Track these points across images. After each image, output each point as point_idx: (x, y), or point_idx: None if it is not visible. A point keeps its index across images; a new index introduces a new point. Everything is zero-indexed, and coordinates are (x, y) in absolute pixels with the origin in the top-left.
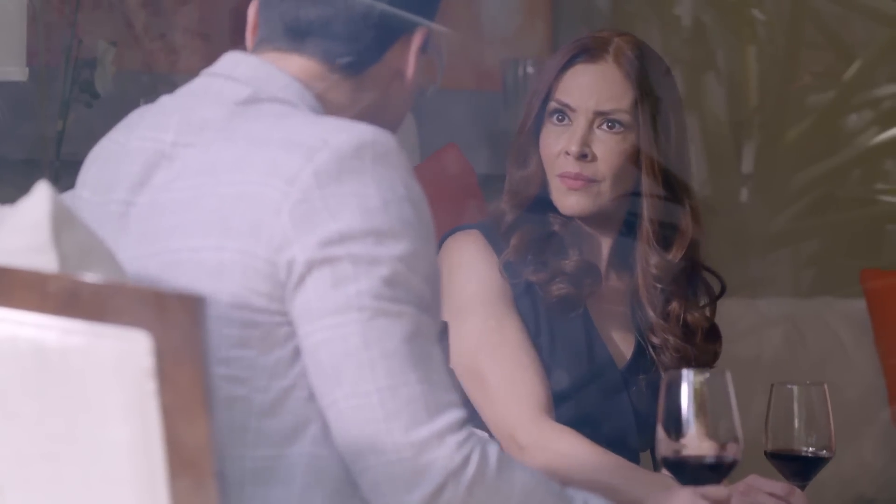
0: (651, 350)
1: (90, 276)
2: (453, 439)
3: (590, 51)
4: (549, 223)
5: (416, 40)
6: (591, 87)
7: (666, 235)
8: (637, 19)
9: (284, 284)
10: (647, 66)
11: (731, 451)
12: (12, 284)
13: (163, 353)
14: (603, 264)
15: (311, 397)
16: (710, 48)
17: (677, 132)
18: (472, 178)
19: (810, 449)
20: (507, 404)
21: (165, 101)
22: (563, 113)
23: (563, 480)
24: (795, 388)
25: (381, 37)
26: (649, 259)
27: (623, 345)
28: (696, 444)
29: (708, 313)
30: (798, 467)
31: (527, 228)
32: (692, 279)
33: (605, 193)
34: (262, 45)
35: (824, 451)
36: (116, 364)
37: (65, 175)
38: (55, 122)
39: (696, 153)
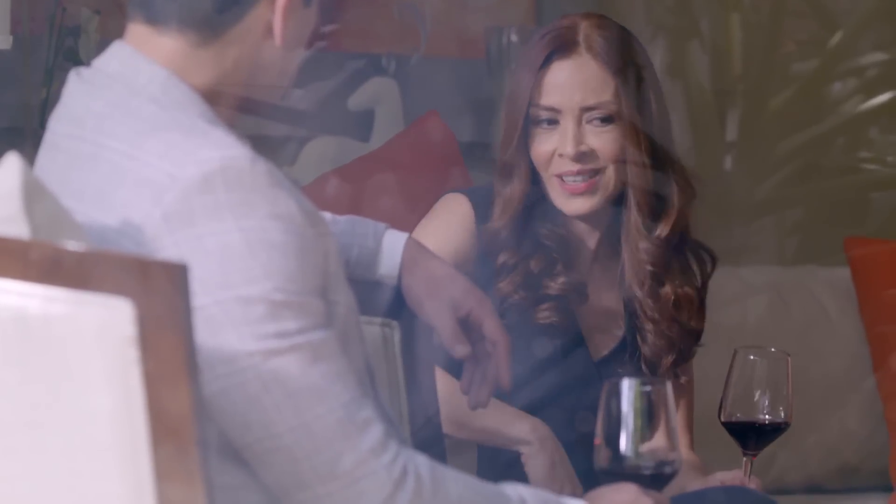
0: (638, 338)
1: (73, 244)
2: (379, 464)
3: (561, 47)
4: (539, 236)
5: None
6: (573, 85)
7: (654, 208)
8: None
9: None
10: (620, 45)
11: (671, 459)
12: None
13: (145, 320)
14: (588, 262)
15: None
16: (694, 16)
17: (657, 101)
18: (453, 146)
19: (768, 417)
20: None
21: (71, 87)
22: (551, 117)
23: None
24: (758, 357)
25: None
26: (638, 243)
27: (606, 338)
28: (633, 453)
29: (700, 291)
30: (755, 436)
31: (512, 252)
32: (682, 254)
33: (611, 182)
34: (132, 19)
35: (783, 420)
36: (99, 332)
37: None
38: (39, 90)
39: (679, 121)
